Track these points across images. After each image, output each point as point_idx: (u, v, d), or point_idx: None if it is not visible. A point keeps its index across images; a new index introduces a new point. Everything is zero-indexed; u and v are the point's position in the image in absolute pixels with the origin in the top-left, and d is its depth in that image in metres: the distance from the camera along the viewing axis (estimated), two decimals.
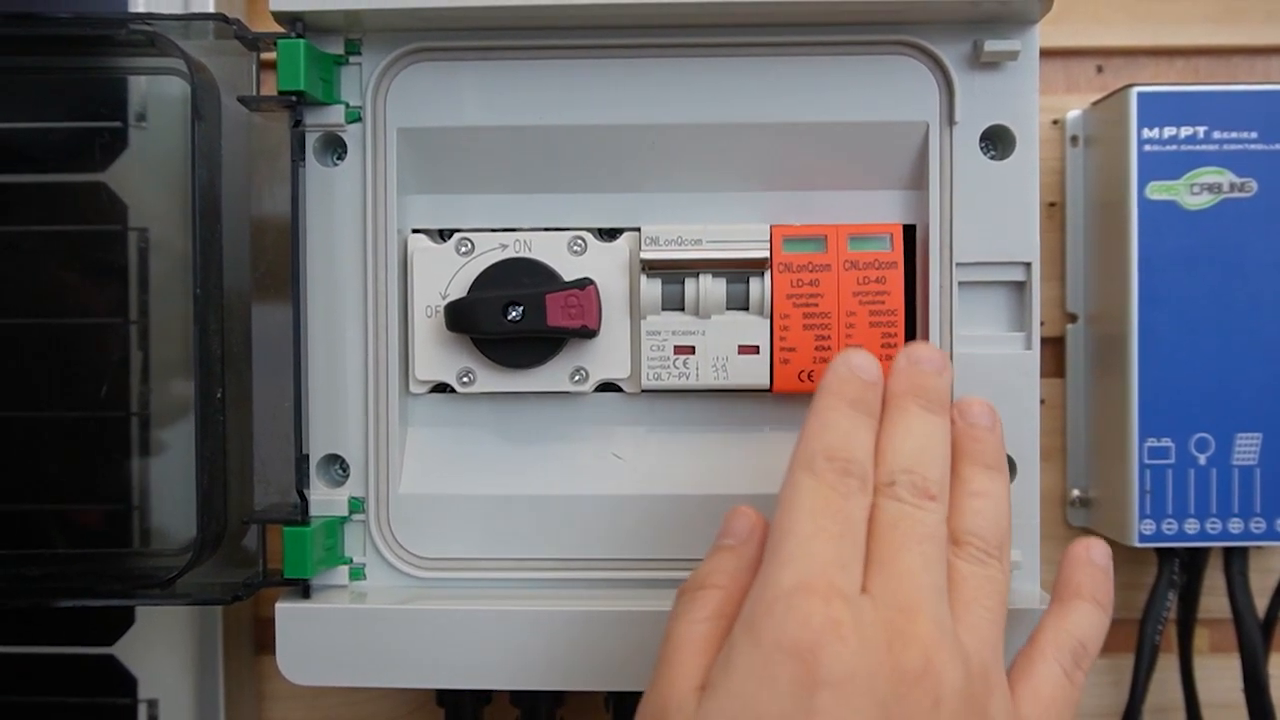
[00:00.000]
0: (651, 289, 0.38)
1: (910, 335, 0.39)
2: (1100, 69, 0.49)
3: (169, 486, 0.43)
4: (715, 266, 0.38)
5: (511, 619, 0.37)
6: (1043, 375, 0.43)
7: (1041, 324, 0.43)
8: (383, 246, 0.39)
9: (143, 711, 0.47)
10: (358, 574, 0.39)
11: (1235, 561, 0.44)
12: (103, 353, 0.43)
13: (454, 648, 0.37)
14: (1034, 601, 0.38)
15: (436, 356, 0.39)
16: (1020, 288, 0.39)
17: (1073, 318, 0.48)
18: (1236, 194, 0.43)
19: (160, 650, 0.47)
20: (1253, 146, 0.43)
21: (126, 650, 0.47)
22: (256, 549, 0.39)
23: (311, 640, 0.37)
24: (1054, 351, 0.48)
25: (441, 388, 0.40)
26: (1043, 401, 0.50)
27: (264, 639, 0.51)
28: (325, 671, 0.37)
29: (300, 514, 0.38)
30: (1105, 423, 0.46)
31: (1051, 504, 0.49)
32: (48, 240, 0.44)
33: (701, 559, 0.38)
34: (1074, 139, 0.47)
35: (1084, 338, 0.47)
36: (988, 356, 0.38)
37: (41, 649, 0.47)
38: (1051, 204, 0.48)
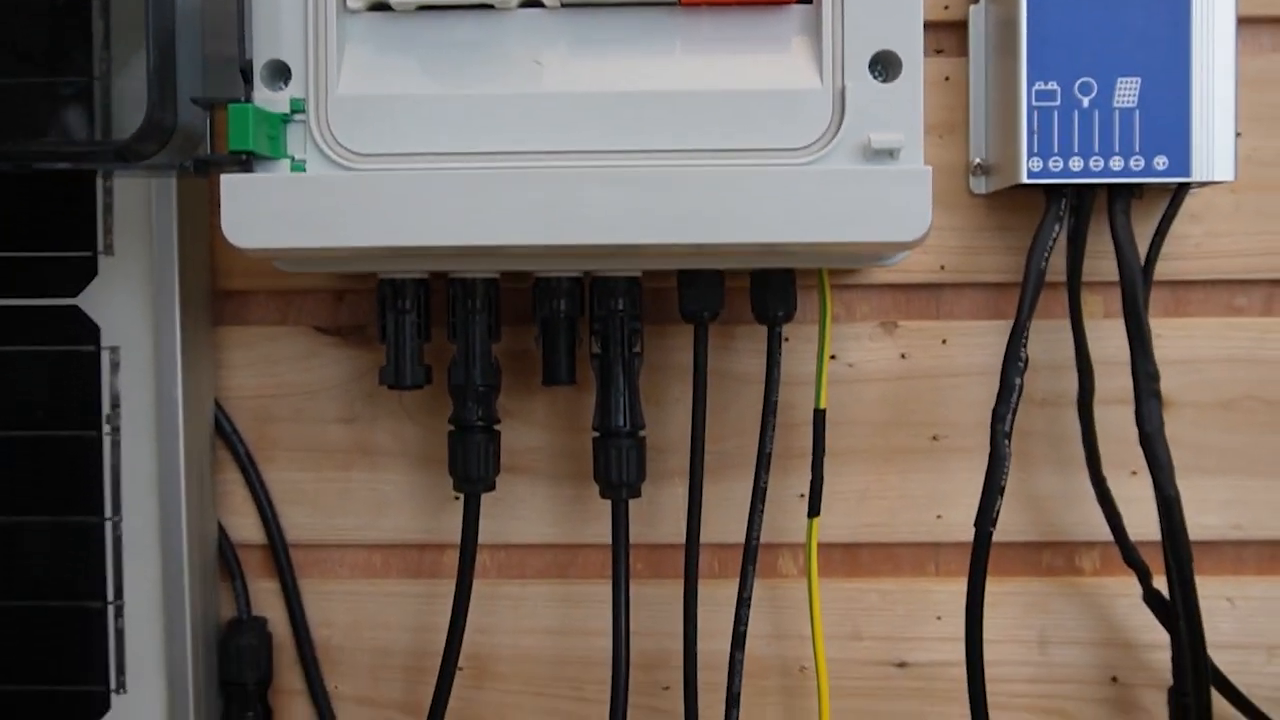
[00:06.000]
0: None
1: None
2: None
3: None
4: None
5: (447, 180, 0.41)
6: (947, 55, 0.48)
7: (946, 8, 0.48)
8: None
9: (105, 358, 0.50)
10: (299, 168, 0.42)
11: (1118, 200, 0.48)
12: None
13: (393, 211, 0.40)
14: None
15: None
16: None
17: None
18: None
19: (121, 300, 0.50)
20: None
21: (90, 301, 0.50)
22: (202, 133, 0.42)
23: (255, 207, 0.40)
24: (959, 34, 0.52)
25: (380, 7, 0.43)
26: (947, 78, 0.54)
27: (222, 312, 0.54)
28: (268, 235, 0.40)
29: (244, 96, 0.41)
30: (1001, 85, 0.49)
31: (954, 175, 0.52)
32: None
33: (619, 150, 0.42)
34: None
35: (985, 15, 0.51)
36: None
37: (7, 301, 0.50)
38: None
